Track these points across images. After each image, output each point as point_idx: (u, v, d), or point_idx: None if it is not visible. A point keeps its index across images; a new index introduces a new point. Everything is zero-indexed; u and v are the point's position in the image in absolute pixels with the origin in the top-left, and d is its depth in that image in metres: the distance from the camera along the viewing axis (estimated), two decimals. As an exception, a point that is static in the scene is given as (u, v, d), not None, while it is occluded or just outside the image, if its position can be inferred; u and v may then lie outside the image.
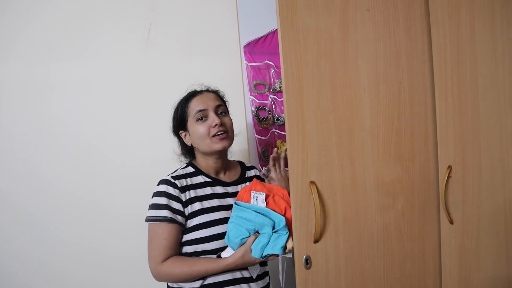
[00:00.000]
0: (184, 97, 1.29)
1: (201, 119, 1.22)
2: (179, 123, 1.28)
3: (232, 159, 1.38)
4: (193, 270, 1.12)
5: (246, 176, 1.33)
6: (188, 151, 1.32)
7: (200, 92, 1.28)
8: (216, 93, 1.31)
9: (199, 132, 1.21)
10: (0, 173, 1.55)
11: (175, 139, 1.34)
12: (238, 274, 1.17)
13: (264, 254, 1.10)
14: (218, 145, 1.21)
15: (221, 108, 1.25)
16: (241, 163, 1.38)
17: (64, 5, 1.59)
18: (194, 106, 1.24)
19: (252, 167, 1.39)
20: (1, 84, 1.55)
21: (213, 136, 1.20)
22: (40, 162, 1.57)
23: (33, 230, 1.56)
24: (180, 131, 1.30)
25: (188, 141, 1.28)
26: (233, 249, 1.13)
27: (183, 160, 1.34)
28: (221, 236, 1.16)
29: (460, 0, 1.12)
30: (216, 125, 1.20)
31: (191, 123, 1.24)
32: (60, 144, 1.59)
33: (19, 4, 1.55)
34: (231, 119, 1.28)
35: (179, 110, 1.28)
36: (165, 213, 1.14)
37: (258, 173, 1.37)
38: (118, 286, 1.63)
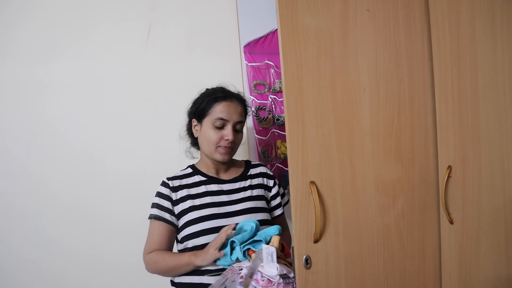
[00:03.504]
0: (213, 92, 1.27)
1: (218, 125, 1.23)
2: (197, 113, 1.27)
3: (238, 158, 1.39)
4: (168, 260, 1.16)
5: (249, 174, 1.33)
6: (194, 142, 1.34)
7: (231, 98, 1.26)
8: (244, 105, 1.30)
9: (210, 137, 1.23)
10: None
11: (184, 121, 1.35)
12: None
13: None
14: (219, 157, 1.24)
15: (240, 125, 1.26)
16: (247, 162, 1.39)
17: (64, 5, 1.58)
18: (219, 111, 1.23)
19: (258, 165, 1.38)
20: None
21: (219, 146, 1.23)
22: (37, 164, 1.56)
23: (29, 233, 1.55)
24: (193, 119, 1.30)
25: (196, 132, 1.30)
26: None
27: (194, 156, 1.36)
28: (209, 231, 1.17)
29: (460, 0, 1.12)
30: (227, 140, 1.22)
31: (207, 123, 1.24)
32: (58, 146, 1.57)
33: (17, 3, 1.54)
34: (243, 135, 1.29)
35: (203, 102, 1.26)
36: (154, 211, 1.22)
37: (264, 170, 1.37)
38: (119, 283, 1.61)
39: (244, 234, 1.09)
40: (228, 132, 1.22)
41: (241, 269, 1.03)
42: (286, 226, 1.40)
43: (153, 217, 1.21)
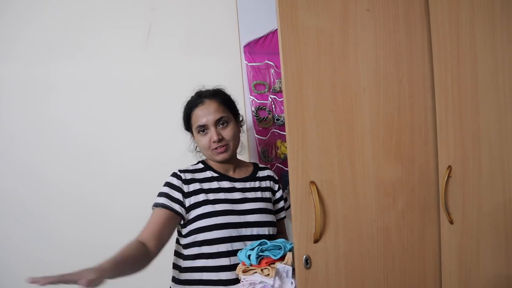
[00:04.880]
0: (189, 102, 1.30)
1: (202, 131, 1.25)
2: (187, 126, 1.32)
3: (242, 159, 1.41)
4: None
5: (258, 175, 1.35)
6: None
7: (202, 101, 1.25)
8: (219, 99, 1.27)
9: (201, 144, 1.26)
10: (0, 172, 1.55)
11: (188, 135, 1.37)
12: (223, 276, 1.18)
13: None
14: (218, 157, 1.25)
15: (223, 119, 1.24)
16: (254, 164, 1.41)
17: (64, 5, 1.59)
18: (195, 119, 1.26)
19: (265, 168, 1.40)
20: (1, 84, 1.55)
21: (213, 149, 1.24)
22: (40, 161, 1.57)
23: (33, 229, 1.57)
24: (190, 132, 1.33)
25: (195, 142, 1.33)
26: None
27: (202, 156, 1.36)
28: (221, 226, 1.18)
29: (460, 0, 1.12)
30: (214, 141, 1.22)
31: (195, 132, 1.28)
32: (60, 144, 1.59)
33: (19, 4, 1.55)
34: (234, 127, 1.27)
35: (185, 114, 1.30)
36: (162, 200, 1.19)
37: (271, 174, 1.39)
38: (118, 283, 1.62)
39: (275, 248, 1.11)
40: (211, 134, 1.23)
41: (253, 286, 1.06)
42: (285, 230, 1.43)
43: (159, 205, 1.17)
